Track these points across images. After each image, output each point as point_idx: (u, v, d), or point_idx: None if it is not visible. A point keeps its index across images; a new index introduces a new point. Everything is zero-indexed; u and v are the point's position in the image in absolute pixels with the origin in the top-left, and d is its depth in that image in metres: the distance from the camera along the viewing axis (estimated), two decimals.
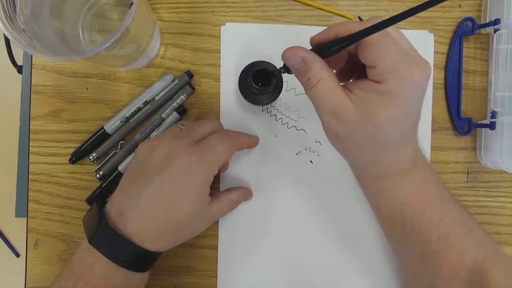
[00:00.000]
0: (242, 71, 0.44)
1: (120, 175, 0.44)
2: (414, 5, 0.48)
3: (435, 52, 0.46)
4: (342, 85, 0.32)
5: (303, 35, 0.45)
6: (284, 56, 0.31)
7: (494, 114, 0.43)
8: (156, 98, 0.44)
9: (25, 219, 0.46)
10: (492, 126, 0.43)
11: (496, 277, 0.33)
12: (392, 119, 0.30)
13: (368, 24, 0.28)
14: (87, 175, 0.45)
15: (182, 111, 0.44)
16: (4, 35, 0.33)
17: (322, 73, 0.30)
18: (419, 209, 0.35)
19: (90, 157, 0.44)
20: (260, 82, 0.41)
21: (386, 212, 0.36)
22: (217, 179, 0.45)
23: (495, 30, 0.43)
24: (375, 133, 0.31)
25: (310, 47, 0.32)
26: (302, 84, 0.32)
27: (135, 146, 0.44)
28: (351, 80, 0.36)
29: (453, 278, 0.34)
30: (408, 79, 0.29)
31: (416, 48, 0.46)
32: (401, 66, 0.29)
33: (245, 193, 0.44)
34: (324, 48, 0.31)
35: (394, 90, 0.29)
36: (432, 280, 0.35)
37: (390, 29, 0.29)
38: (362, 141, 0.32)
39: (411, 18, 0.47)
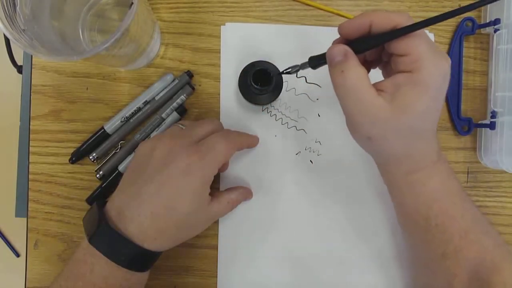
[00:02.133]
0: (242, 71, 0.44)
1: (120, 175, 0.44)
2: (414, 5, 0.48)
3: None
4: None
5: (303, 35, 0.45)
6: (329, 49, 0.32)
7: (494, 114, 0.43)
8: (156, 98, 0.44)
9: (25, 219, 0.46)
10: (492, 126, 0.43)
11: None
12: (427, 108, 0.31)
13: (402, 18, 0.29)
14: (87, 175, 0.45)
15: (182, 111, 0.44)
16: (4, 35, 0.33)
17: (359, 69, 0.31)
18: (444, 205, 0.35)
19: (90, 157, 0.44)
20: (260, 82, 0.41)
21: (411, 207, 0.36)
22: (217, 179, 0.45)
23: (495, 30, 0.43)
24: (411, 124, 0.31)
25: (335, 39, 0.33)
26: (335, 81, 0.32)
27: (135, 146, 0.44)
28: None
29: (471, 279, 0.35)
30: (439, 67, 0.30)
31: None
32: (432, 54, 0.30)
33: (245, 193, 0.44)
34: (360, 45, 0.31)
35: (428, 78, 0.30)
36: (450, 280, 0.35)
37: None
38: (397, 136, 0.32)
39: None
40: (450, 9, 0.46)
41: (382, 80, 0.32)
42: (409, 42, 0.30)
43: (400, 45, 0.30)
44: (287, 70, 0.37)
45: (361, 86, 0.31)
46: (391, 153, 0.34)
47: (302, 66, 0.36)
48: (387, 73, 0.35)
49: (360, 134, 0.33)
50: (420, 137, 0.33)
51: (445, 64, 0.30)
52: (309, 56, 0.35)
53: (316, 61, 0.34)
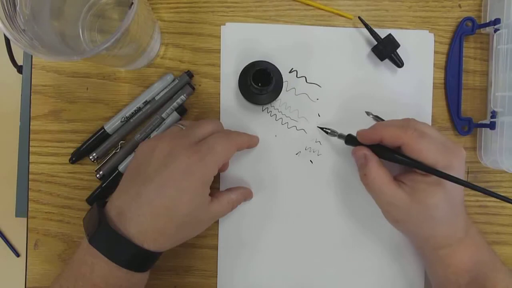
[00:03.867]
0: (242, 71, 0.44)
1: (120, 175, 0.44)
2: (414, 5, 0.48)
3: (435, 52, 0.46)
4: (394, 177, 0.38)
5: (303, 35, 0.45)
6: (353, 151, 0.39)
7: (494, 114, 0.43)
8: (156, 98, 0.44)
9: (25, 219, 0.46)
10: (492, 126, 0.43)
11: None
12: (443, 201, 0.36)
13: (408, 138, 0.35)
14: (87, 175, 0.45)
15: (182, 111, 0.44)
16: (4, 35, 0.33)
17: (378, 171, 0.37)
18: (473, 275, 0.38)
19: (90, 157, 0.44)
20: (260, 82, 0.41)
21: (442, 277, 0.39)
22: (217, 179, 0.45)
23: (495, 30, 0.43)
24: (430, 213, 0.36)
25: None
26: (361, 178, 0.39)
27: (135, 146, 0.44)
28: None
29: None
30: (448, 168, 0.35)
31: (416, 49, 0.46)
32: (441, 159, 0.35)
33: (245, 193, 0.44)
34: (383, 154, 0.38)
35: (439, 179, 0.35)
36: None
37: (424, 126, 0.36)
38: (420, 220, 0.37)
39: (410, 18, 0.47)
40: (450, 9, 0.46)
41: (402, 174, 0.38)
42: (419, 155, 0.35)
43: (414, 156, 0.35)
44: (326, 129, 0.43)
45: (382, 183, 0.37)
46: (417, 233, 0.39)
47: (340, 136, 0.42)
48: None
49: (390, 217, 0.39)
50: (441, 222, 0.37)
51: (454, 162, 0.35)
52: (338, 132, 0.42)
53: (350, 142, 0.41)
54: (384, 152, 0.37)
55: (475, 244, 0.39)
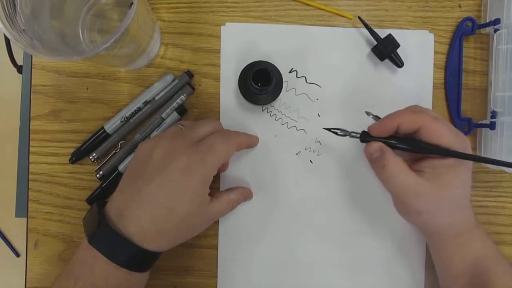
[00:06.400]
0: (242, 71, 0.44)
1: (120, 175, 0.44)
2: (414, 5, 0.48)
3: (435, 52, 0.46)
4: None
5: (303, 35, 0.45)
6: (366, 147, 0.37)
7: (494, 114, 0.43)
8: (156, 98, 0.44)
9: (25, 219, 0.46)
10: (492, 126, 0.43)
11: None
12: (464, 182, 0.37)
13: (426, 119, 0.35)
14: (87, 175, 0.45)
15: (182, 111, 0.44)
16: (4, 35, 0.33)
17: (397, 161, 0.36)
18: (487, 264, 0.38)
19: (90, 157, 0.44)
20: (260, 82, 0.41)
21: (458, 268, 0.39)
22: (217, 179, 0.45)
23: (495, 30, 0.43)
24: (452, 196, 0.36)
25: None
26: (378, 173, 0.37)
27: (135, 146, 0.44)
28: None
29: None
30: (464, 150, 0.36)
31: (416, 49, 0.46)
32: (456, 140, 0.36)
33: (245, 193, 0.44)
34: (393, 144, 0.37)
35: (459, 161, 0.36)
36: None
37: (433, 111, 0.37)
38: (442, 207, 0.36)
39: (410, 18, 0.47)
40: (450, 9, 0.46)
41: (416, 163, 0.37)
42: (438, 137, 0.35)
43: (431, 140, 0.35)
44: (334, 130, 0.39)
45: (402, 172, 0.36)
46: (440, 222, 0.38)
47: (352, 135, 0.38)
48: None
49: (411, 210, 0.37)
50: (463, 207, 0.38)
51: (467, 144, 0.37)
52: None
53: (366, 139, 0.38)
54: (403, 142, 0.36)
55: (484, 235, 0.39)
